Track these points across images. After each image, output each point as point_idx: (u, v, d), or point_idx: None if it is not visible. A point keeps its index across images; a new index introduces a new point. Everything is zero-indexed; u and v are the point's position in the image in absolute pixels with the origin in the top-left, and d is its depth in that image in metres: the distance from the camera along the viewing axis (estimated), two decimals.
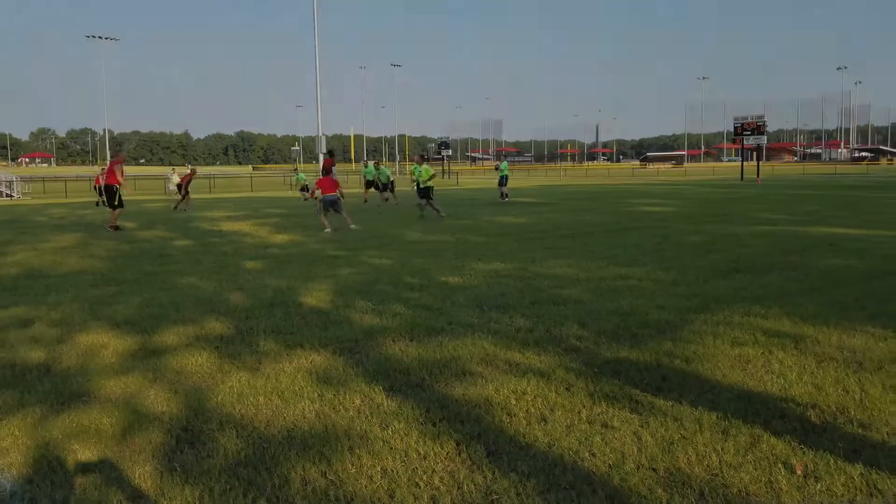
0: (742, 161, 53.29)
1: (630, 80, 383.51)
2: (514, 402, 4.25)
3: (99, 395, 4.54)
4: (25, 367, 5.19)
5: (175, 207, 24.17)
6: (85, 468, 3.46)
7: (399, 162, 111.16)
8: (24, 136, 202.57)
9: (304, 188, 31.03)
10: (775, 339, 5.50)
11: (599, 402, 4.22)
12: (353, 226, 15.33)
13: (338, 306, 7.12)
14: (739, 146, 53.92)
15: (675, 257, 10.12)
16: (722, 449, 3.54)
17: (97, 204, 27.16)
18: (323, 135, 49.35)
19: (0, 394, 4.57)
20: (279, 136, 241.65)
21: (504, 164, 27.59)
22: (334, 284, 8.36)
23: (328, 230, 14.70)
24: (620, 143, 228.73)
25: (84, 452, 3.64)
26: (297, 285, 8.35)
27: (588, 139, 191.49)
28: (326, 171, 17.89)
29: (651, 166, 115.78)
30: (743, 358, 5.06)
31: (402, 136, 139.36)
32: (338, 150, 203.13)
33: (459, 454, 3.55)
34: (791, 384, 4.47)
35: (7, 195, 38.79)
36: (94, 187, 29.00)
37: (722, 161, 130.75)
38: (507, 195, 26.26)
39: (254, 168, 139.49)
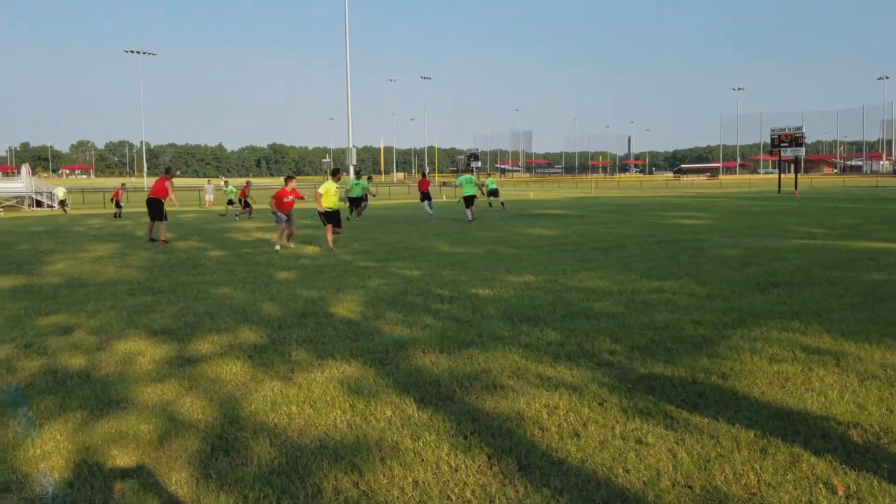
0: (779, 173, 52.43)
1: (663, 90, 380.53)
2: (545, 416, 4.22)
3: (136, 401, 4.63)
4: (66, 373, 5.32)
5: (238, 216, 26.06)
6: (123, 473, 3.52)
7: (429, 174, 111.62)
8: (64, 148, 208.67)
9: (231, 202, 30.79)
10: (815, 356, 5.38)
11: (633, 417, 4.17)
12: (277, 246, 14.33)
13: (368, 317, 7.16)
14: (776, 158, 53.03)
15: (710, 271, 9.97)
16: (760, 468, 3.47)
17: (116, 216, 28.07)
18: (353, 147, 49.85)
19: (42, 399, 4.69)
20: (310, 148, 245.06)
21: (490, 180, 30.15)
22: (364, 295, 8.41)
23: (288, 246, 14.47)
24: (653, 154, 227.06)
25: (122, 458, 3.71)
26: (328, 296, 8.42)
27: (620, 151, 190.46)
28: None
29: (685, 178, 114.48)
30: (782, 375, 4.95)
31: (431, 148, 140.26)
32: (368, 160, 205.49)
33: (491, 468, 3.53)
34: (832, 403, 4.36)
35: (48, 206, 39.91)
36: (112, 199, 29.85)
37: (758, 173, 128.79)
38: (491, 205, 29.26)
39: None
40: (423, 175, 30.36)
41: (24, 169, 44.36)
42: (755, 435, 3.86)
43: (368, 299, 8.14)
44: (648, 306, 7.43)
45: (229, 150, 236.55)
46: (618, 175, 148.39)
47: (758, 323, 6.53)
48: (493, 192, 28.86)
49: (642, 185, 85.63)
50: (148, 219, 17.04)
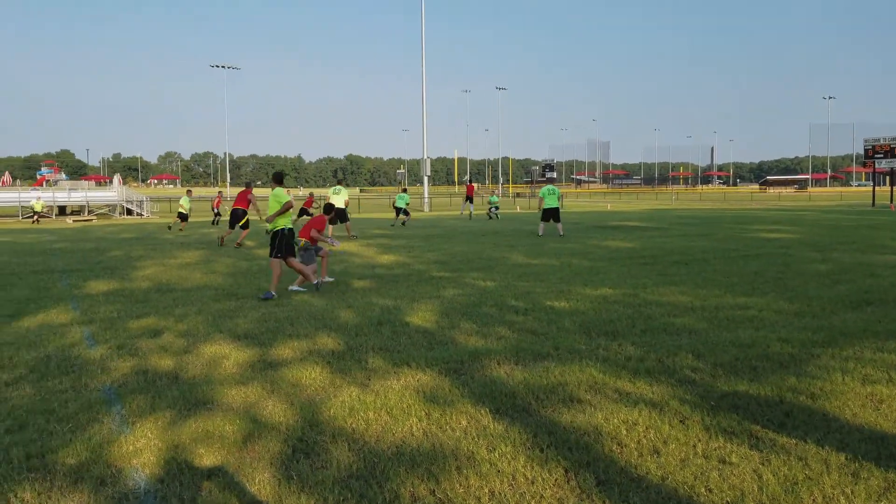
0: (874, 186, 49.57)
1: (748, 98, 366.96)
2: (624, 432, 4.13)
3: (222, 402, 4.82)
4: (156, 374, 5.59)
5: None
6: (210, 472, 3.67)
7: (502, 185, 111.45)
8: (152, 160, 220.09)
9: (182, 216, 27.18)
10: None
11: (716, 436, 4.03)
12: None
13: (443, 327, 7.20)
14: (870, 170, 50.24)
15: (798, 287, 9.52)
16: (852, 492, 3.29)
17: (214, 223, 29.69)
18: (427, 157, 50.35)
19: (134, 398, 4.95)
20: (385, 159, 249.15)
21: (493, 197, 33.81)
22: (439, 305, 8.47)
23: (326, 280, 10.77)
24: (738, 165, 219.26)
25: (208, 457, 3.87)
26: (403, 305, 8.52)
27: (702, 162, 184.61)
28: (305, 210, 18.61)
29: (771, 190, 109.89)
30: (875, 397, 4.68)
31: (505, 159, 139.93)
32: (441, 171, 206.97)
33: (568, 481, 3.49)
34: None
35: (138, 214, 42.14)
36: (213, 208, 31.45)
37: (850, 186, 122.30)
38: (490, 217, 32.08)
39: (361, 190, 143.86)
40: (469, 182, 38.18)
41: (116, 179, 47.23)
42: (846, 458, 3.66)
43: (443, 309, 8.20)
44: (732, 323, 7.17)
45: (307, 162, 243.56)
46: (700, 187, 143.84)
47: (850, 342, 6.20)
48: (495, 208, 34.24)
49: (726, 197, 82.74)
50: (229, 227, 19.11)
